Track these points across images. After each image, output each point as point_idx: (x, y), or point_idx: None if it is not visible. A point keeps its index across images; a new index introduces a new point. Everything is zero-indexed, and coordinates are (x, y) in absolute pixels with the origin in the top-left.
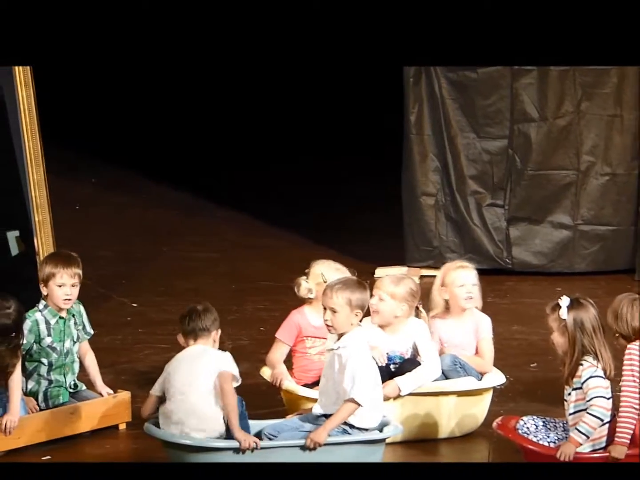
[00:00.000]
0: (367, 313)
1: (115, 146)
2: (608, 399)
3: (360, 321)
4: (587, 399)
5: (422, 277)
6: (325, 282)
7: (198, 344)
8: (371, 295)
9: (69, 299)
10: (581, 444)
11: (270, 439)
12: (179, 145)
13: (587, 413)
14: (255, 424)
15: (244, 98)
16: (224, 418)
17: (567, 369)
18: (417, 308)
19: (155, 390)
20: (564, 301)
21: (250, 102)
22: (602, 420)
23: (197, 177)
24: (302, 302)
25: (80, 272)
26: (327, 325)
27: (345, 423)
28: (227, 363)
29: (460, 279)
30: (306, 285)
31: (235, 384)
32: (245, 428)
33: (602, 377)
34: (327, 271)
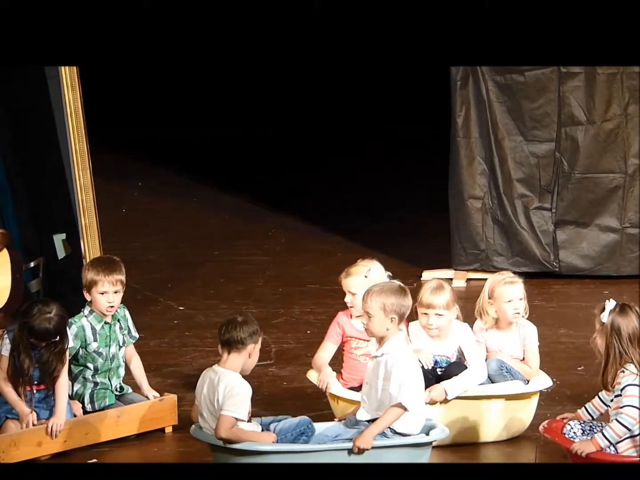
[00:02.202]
0: (414, 317)
1: (164, 149)
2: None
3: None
4: (621, 405)
5: (468, 280)
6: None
7: (223, 364)
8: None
9: (112, 307)
10: (602, 448)
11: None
12: (229, 148)
13: (616, 420)
14: None
15: (295, 101)
16: None
17: (601, 372)
18: None
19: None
20: (609, 305)
21: (302, 105)
22: (629, 429)
23: (248, 180)
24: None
25: (122, 277)
26: (366, 329)
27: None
28: (231, 404)
29: (508, 294)
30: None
31: (240, 425)
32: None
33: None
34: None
